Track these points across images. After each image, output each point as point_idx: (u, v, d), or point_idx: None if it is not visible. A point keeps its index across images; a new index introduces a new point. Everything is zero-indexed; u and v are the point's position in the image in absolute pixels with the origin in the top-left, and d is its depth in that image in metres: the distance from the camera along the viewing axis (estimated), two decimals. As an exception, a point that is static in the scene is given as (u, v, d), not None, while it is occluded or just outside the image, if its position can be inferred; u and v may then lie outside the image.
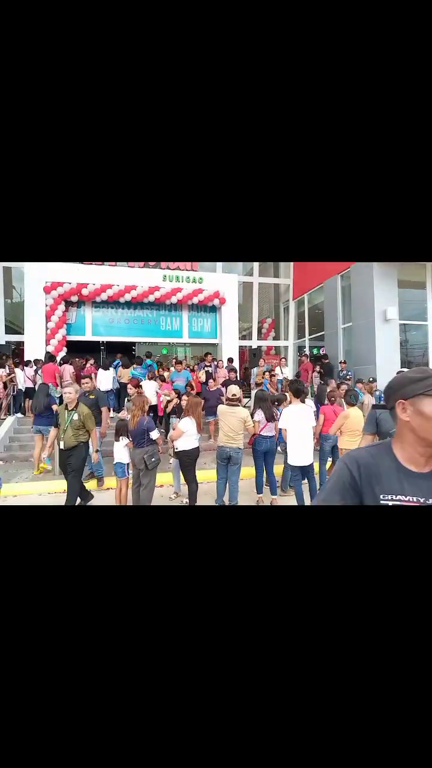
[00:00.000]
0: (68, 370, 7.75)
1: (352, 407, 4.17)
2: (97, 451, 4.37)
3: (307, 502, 4.05)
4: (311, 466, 4.07)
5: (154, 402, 6.97)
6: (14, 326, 9.84)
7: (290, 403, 4.19)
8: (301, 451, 3.97)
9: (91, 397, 4.85)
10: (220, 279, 10.11)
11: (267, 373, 7.57)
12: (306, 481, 4.13)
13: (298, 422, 3.94)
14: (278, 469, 4.78)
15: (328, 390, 5.50)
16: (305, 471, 4.08)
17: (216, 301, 9.88)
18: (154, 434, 3.86)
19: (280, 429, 4.33)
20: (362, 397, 5.80)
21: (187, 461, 4.14)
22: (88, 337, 9.66)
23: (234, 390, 4.37)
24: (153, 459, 3.82)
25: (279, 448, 4.67)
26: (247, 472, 5.12)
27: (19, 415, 7.49)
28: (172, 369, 7.53)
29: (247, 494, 4.74)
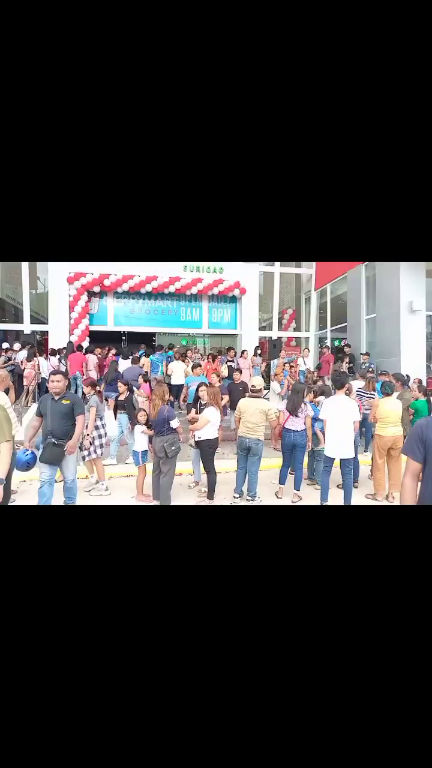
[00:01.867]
0: (92, 359, 7.92)
1: (387, 397, 4.35)
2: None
3: (336, 496, 4.01)
4: (349, 461, 3.97)
5: (180, 382, 7.10)
6: (39, 316, 10.07)
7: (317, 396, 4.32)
8: (338, 443, 3.94)
9: (65, 402, 3.52)
10: (241, 269, 10.01)
11: (287, 365, 7.49)
12: (342, 477, 4.06)
13: (338, 414, 3.94)
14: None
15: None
16: (344, 464, 3.98)
17: (236, 292, 9.80)
18: (175, 423, 3.91)
19: (314, 424, 4.43)
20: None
21: (209, 450, 4.17)
22: (110, 327, 9.79)
23: (256, 381, 4.37)
24: (173, 447, 3.87)
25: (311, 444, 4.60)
26: (272, 463, 5.13)
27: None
28: (189, 367, 7.44)
29: (266, 485, 4.75)
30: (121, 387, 5.13)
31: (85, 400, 4.53)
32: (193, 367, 6.69)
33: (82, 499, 4.31)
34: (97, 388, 4.67)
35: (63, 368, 8.06)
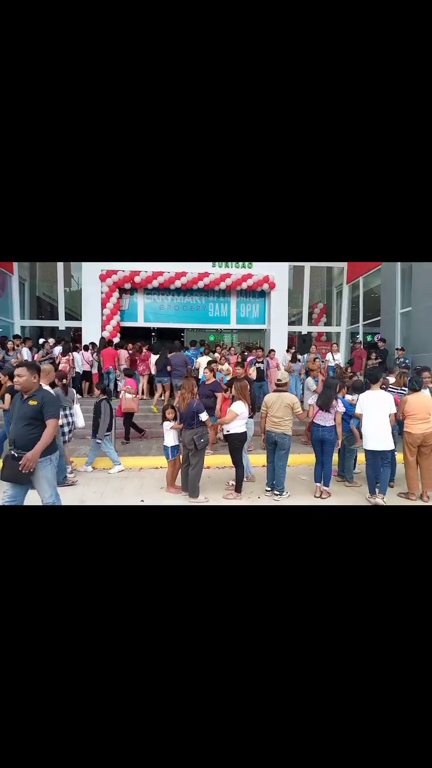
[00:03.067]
0: (123, 355, 8.14)
1: (415, 392, 4.27)
2: None
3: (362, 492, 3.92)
4: (387, 453, 4.06)
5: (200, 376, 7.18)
6: (73, 313, 10.44)
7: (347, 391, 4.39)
8: (375, 436, 4.00)
9: (32, 403, 2.71)
10: (270, 263, 9.89)
11: (317, 360, 7.35)
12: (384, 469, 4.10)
13: (374, 408, 4.02)
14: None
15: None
16: (382, 456, 4.06)
17: (265, 286, 9.71)
18: (204, 416, 3.95)
19: (350, 421, 4.44)
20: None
21: (237, 444, 4.19)
22: (140, 323, 9.99)
23: (281, 375, 4.34)
24: (202, 439, 3.93)
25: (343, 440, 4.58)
26: (301, 458, 5.09)
27: (78, 396, 7.98)
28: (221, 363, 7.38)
29: (295, 480, 4.71)
30: (96, 392, 5.16)
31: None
32: (208, 366, 5.89)
33: (108, 498, 4.45)
34: (64, 381, 4.78)
35: (96, 363, 8.32)
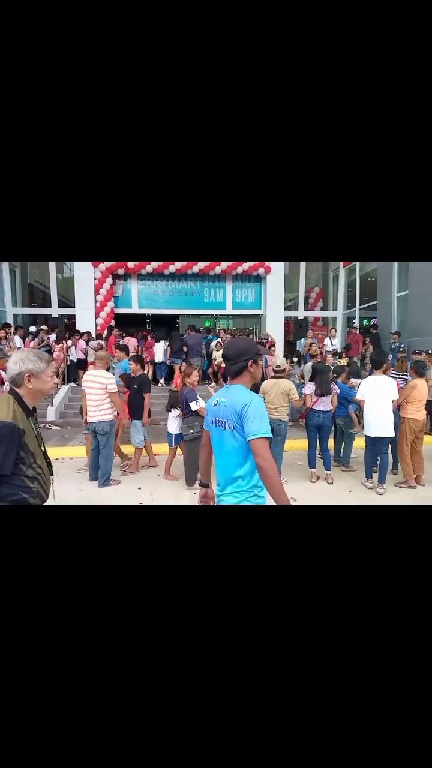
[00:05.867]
0: (132, 343, 8.10)
1: (420, 378, 4.19)
2: None
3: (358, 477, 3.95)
4: (387, 440, 4.00)
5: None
6: (66, 300, 10.29)
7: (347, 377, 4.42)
8: (377, 423, 3.94)
9: None
10: (266, 247, 9.73)
11: (313, 345, 7.33)
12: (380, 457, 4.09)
13: (376, 393, 3.94)
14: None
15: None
16: (382, 443, 4.00)
17: (261, 270, 9.58)
18: (194, 405, 3.83)
19: (342, 403, 4.45)
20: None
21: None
22: (135, 309, 9.87)
23: (278, 361, 4.31)
24: (191, 430, 3.81)
25: (339, 422, 4.66)
26: (297, 444, 5.10)
27: (73, 384, 7.94)
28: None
29: (291, 466, 4.74)
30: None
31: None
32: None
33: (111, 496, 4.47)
34: None
35: (90, 351, 8.27)
